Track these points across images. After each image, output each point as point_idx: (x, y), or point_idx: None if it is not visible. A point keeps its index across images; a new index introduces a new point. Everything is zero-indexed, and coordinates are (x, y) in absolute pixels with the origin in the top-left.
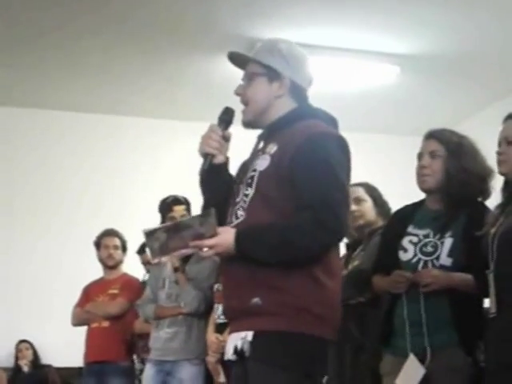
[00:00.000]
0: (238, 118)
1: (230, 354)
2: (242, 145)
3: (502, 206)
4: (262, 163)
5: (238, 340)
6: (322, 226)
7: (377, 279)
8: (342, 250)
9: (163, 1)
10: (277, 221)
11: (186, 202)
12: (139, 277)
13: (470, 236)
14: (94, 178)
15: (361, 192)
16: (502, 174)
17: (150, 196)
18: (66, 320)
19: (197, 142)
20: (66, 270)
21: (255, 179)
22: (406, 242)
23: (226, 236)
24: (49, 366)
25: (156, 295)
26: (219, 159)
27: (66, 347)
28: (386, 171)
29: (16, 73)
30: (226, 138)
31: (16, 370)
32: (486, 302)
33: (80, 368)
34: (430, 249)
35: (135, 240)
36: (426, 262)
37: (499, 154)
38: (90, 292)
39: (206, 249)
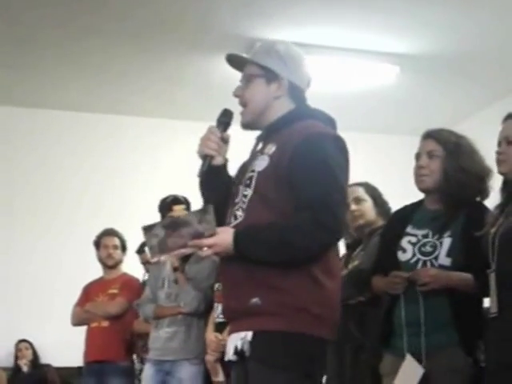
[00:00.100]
0: (237, 119)
1: (230, 355)
2: (241, 146)
3: (501, 206)
4: (261, 164)
5: (238, 340)
6: (320, 226)
7: (375, 280)
8: (342, 249)
9: (163, 1)
10: (276, 221)
11: (185, 202)
12: (139, 277)
13: (469, 236)
14: (93, 177)
15: (361, 192)
16: (501, 173)
17: (149, 196)
18: (66, 320)
19: (197, 142)
20: (65, 270)
21: (254, 180)
22: (404, 242)
23: (225, 236)
24: (48, 366)
25: (155, 295)
26: (218, 161)
27: (66, 347)
28: (386, 171)
29: (16, 73)
30: (225, 140)
31: (16, 369)
32: (486, 302)
33: (80, 368)
34: (428, 249)
35: (135, 240)
36: (424, 262)
37: (499, 153)
38: (90, 292)
39: (205, 248)
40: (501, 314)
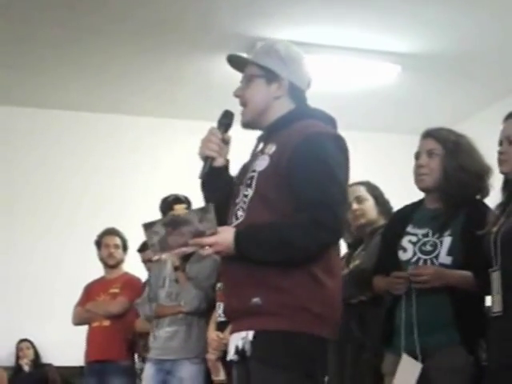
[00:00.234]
0: (237, 119)
1: (231, 355)
2: (242, 146)
3: (502, 205)
4: (261, 164)
5: (239, 340)
6: (320, 226)
7: (377, 280)
8: (343, 249)
9: (163, 1)
10: (276, 220)
11: (186, 201)
12: (140, 276)
13: (469, 234)
14: (94, 177)
15: (362, 191)
16: (503, 173)
17: (150, 195)
18: (67, 319)
19: (197, 141)
20: (66, 270)
21: (254, 180)
22: (405, 241)
23: (226, 235)
24: (49, 365)
25: (156, 294)
26: (219, 162)
27: (67, 346)
28: (386, 170)
29: (16, 72)
30: (226, 141)
31: (17, 369)
32: (488, 301)
33: (81, 367)
34: (429, 248)
35: (136, 239)
36: (425, 261)
37: (500, 153)
38: (91, 291)
39: (206, 247)
40: (505, 312)
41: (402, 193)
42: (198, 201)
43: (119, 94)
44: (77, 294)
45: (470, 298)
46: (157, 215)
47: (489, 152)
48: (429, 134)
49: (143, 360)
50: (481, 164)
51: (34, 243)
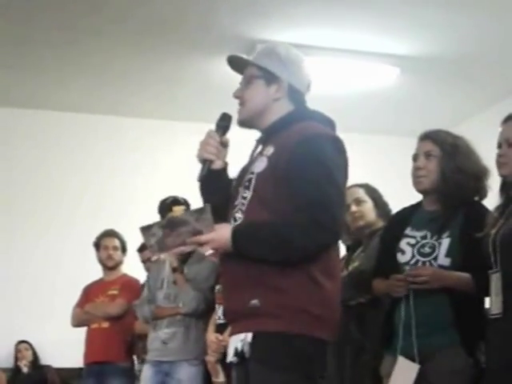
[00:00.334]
0: (236, 121)
1: (231, 357)
2: (241, 148)
3: (501, 207)
4: (260, 165)
5: (238, 342)
6: (319, 227)
7: (376, 283)
8: (343, 251)
9: (163, 1)
10: (275, 219)
11: (185, 203)
12: (139, 277)
13: (468, 236)
14: (93, 178)
15: (361, 193)
16: (502, 176)
17: (149, 197)
18: (66, 320)
19: (197, 143)
20: (65, 271)
21: (253, 181)
22: (403, 244)
23: (223, 232)
24: (48, 367)
25: (154, 295)
26: (217, 165)
27: (66, 348)
28: (385, 172)
29: (16, 73)
30: (224, 144)
31: (15, 370)
32: (487, 303)
33: (80, 369)
34: (427, 250)
35: (135, 241)
36: (424, 263)
37: (499, 156)
38: (90, 293)
39: (205, 246)
40: (505, 314)
41: (401, 195)
42: (197, 202)
43: (119, 95)
44: (76, 295)
45: (469, 299)
46: (156, 217)
47: (488, 154)
48: (426, 136)
49: (142, 361)
50: (478, 165)
51: (33, 243)
